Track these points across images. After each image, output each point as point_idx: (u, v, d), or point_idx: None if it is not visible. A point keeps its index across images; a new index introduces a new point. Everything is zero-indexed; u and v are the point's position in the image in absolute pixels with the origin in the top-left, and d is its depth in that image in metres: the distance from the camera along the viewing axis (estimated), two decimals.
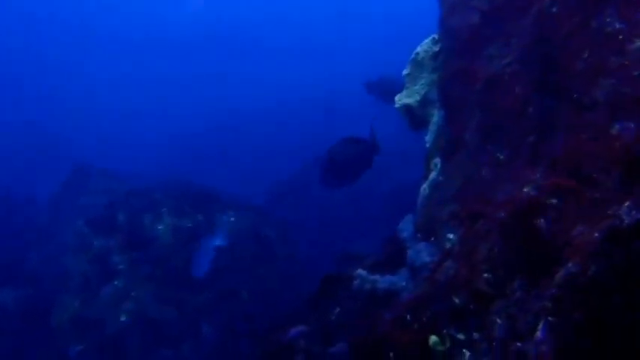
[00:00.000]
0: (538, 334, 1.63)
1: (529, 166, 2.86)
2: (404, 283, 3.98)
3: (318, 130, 16.85)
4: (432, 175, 4.34)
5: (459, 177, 3.89)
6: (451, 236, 2.92)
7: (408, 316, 2.51)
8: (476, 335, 2.21)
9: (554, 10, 2.93)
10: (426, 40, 4.68)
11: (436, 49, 4.56)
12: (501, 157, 3.29)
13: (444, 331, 2.36)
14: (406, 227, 4.52)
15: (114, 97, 24.04)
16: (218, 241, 6.32)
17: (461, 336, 2.29)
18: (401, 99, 4.74)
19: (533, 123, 3.04)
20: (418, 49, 4.69)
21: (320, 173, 6.70)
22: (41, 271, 9.36)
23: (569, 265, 1.60)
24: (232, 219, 8.38)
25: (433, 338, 2.35)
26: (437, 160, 4.34)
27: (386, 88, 8.03)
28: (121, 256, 7.83)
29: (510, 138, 3.24)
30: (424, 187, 4.40)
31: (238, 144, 18.40)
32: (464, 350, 2.25)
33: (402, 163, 12.96)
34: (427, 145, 4.53)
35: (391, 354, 2.52)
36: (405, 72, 4.77)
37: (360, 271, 4.13)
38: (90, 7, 26.53)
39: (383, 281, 4.05)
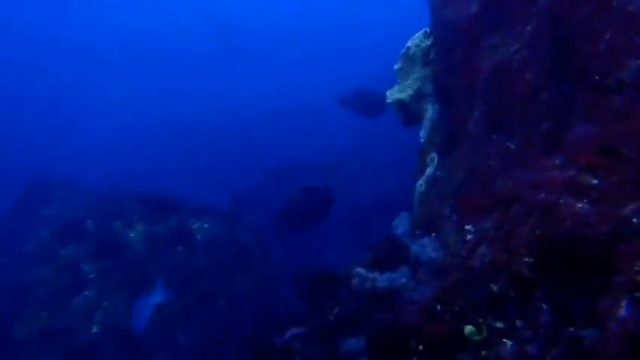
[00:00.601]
0: (622, 311, 1.53)
1: (546, 153, 2.79)
2: (404, 280, 3.86)
3: (279, 141, 16.82)
4: (429, 170, 4.24)
5: (461, 170, 3.80)
6: (469, 227, 2.81)
7: (438, 306, 2.39)
8: (518, 323, 2.11)
9: None
10: (417, 34, 4.57)
11: (428, 42, 4.47)
12: (511, 146, 3.22)
13: (480, 319, 2.24)
14: (401, 224, 4.41)
15: (72, 109, 23.47)
16: (157, 298, 5.99)
17: (499, 324, 2.18)
18: (393, 94, 4.62)
19: (547, 109, 2.98)
20: (409, 43, 4.57)
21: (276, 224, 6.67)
22: None
23: None
24: (206, 225, 8.16)
25: (469, 328, 2.23)
26: (433, 155, 4.25)
27: (361, 102, 7.98)
28: (91, 264, 7.51)
29: (521, 126, 3.17)
30: (420, 183, 4.31)
31: (200, 155, 18.19)
32: (504, 339, 2.14)
33: (368, 173, 12.97)
34: (422, 141, 4.43)
35: (420, 347, 2.40)
36: (396, 67, 4.65)
37: (359, 269, 3.98)
38: (45, 11, 25.85)
39: (383, 279, 3.92)
